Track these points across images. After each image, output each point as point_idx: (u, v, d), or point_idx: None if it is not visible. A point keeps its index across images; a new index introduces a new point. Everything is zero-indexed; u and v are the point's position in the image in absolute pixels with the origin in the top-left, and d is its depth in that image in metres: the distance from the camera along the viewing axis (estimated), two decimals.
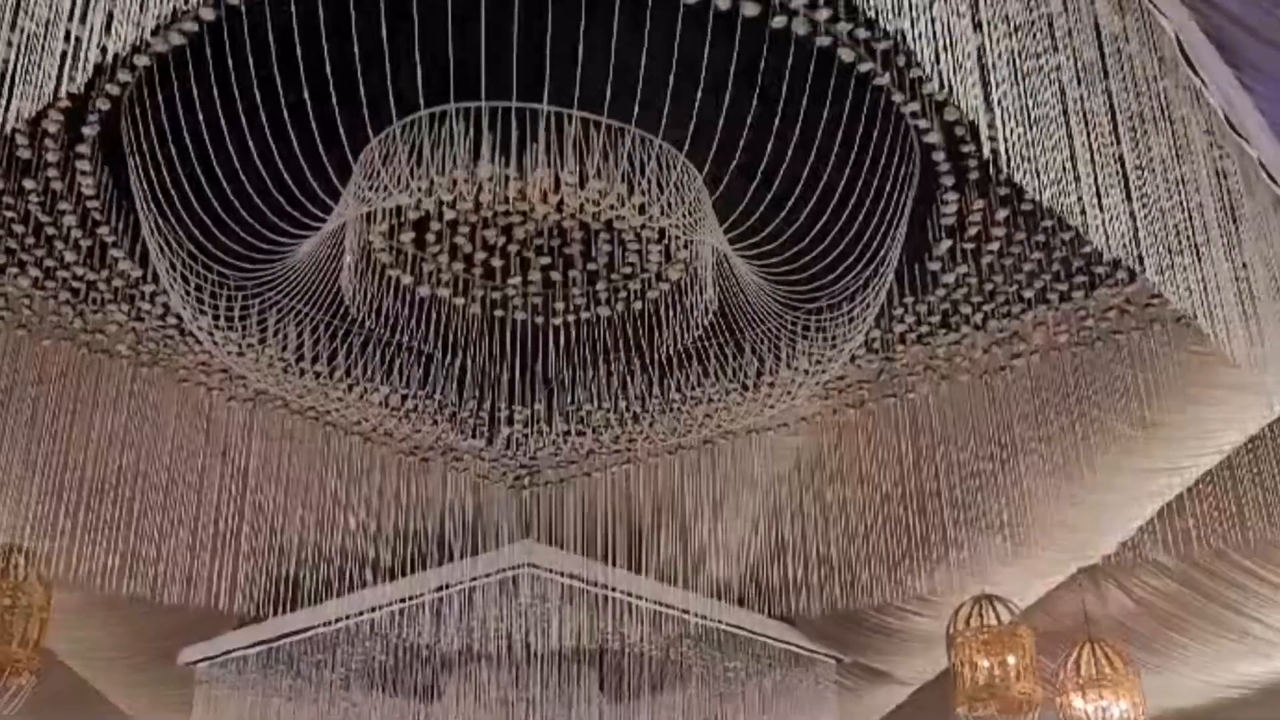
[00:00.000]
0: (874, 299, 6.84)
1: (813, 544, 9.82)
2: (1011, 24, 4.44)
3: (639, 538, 9.82)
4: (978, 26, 4.28)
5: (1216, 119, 5.70)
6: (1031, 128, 4.34)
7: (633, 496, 9.51)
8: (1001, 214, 6.85)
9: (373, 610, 10.19)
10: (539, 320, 7.36)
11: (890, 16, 3.78)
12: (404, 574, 9.81)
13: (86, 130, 6.20)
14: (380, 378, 7.71)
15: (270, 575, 9.81)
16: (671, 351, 7.59)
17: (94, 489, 8.34)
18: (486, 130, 5.53)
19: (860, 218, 6.21)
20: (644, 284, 7.13)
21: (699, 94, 5.48)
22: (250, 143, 5.65)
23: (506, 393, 8.01)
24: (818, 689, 11.83)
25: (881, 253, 6.47)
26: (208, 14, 5.26)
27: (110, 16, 3.54)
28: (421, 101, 5.51)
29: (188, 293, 6.62)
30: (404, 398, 7.90)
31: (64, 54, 3.53)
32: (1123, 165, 4.89)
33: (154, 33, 5.01)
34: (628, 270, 7.12)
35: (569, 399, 8.06)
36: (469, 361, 7.74)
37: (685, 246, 6.70)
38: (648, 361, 7.80)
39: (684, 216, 5.88)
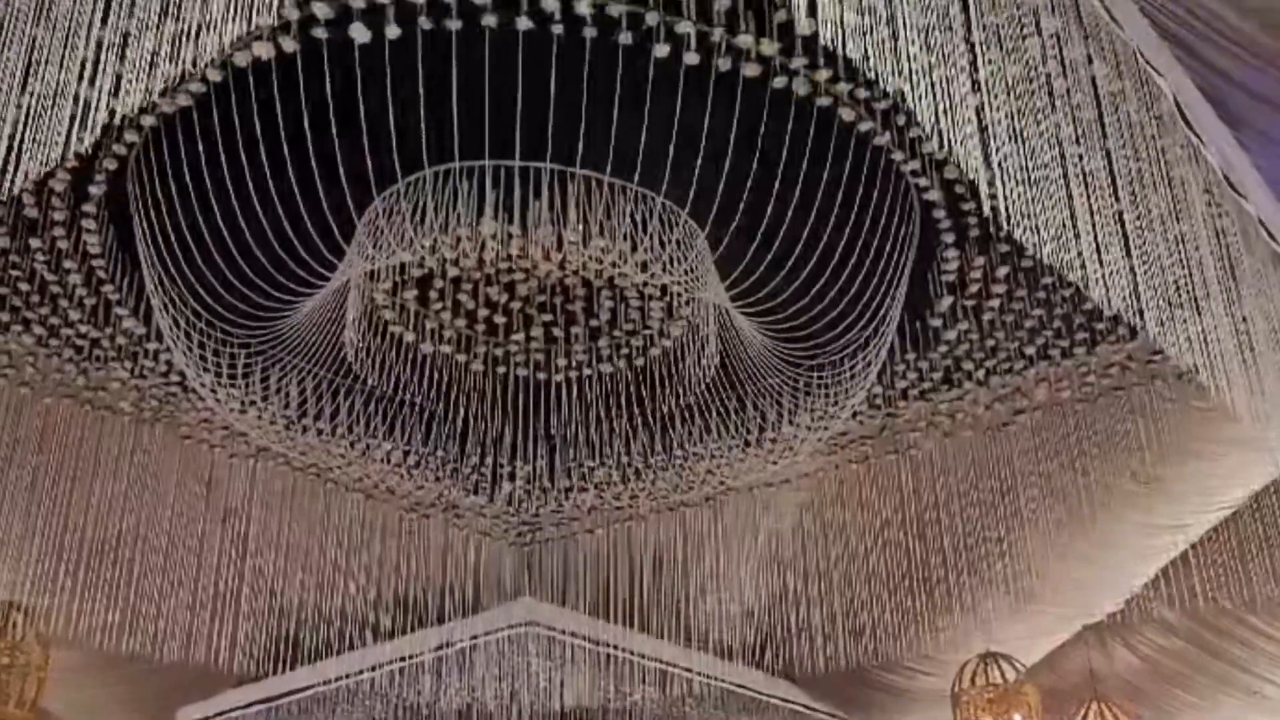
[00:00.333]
0: (876, 356, 6.85)
1: (816, 601, 9.76)
2: (1010, 84, 4.48)
3: (641, 595, 9.76)
4: (976, 86, 4.32)
5: (1215, 176, 5.74)
6: (1031, 185, 4.37)
7: (635, 553, 9.47)
8: (1002, 271, 6.87)
9: (372, 669, 10.11)
10: (541, 377, 7.37)
11: (890, 77, 3.81)
12: (404, 632, 9.75)
13: (93, 189, 6.24)
14: (382, 434, 7.70)
15: (269, 633, 9.74)
16: (674, 408, 7.59)
17: (95, 549, 8.30)
18: (490, 188, 5.57)
19: (861, 276, 6.24)
20: (646, 340, 7.15)
21: (700, 154, 5.53)
22: (254, 200, 5.68)
23: (508, 449, 8.00)
24: None
25: (883, 310, 6.49)
26: (215, 75, 5.31)
27: (119, 79, 3.57)
28: (425, 160, 5.56)
29: (190, 350, 6.64)
30: (406, 454, 7.89)
31: (73, 116, 3.56)
32: (1122, 222, 4.92)
33: (161, 94, 5.06)
34: (630, 327, 7.14)
35: (571, 455, 8.04)
36: (471, 418, 7.74)
37: (687, 303, 6.72)
38: (650, 418, 7.79)
39: (686, 273, 5.91)
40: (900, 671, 10.74)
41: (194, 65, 3.48)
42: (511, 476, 8.31)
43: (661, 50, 5.13)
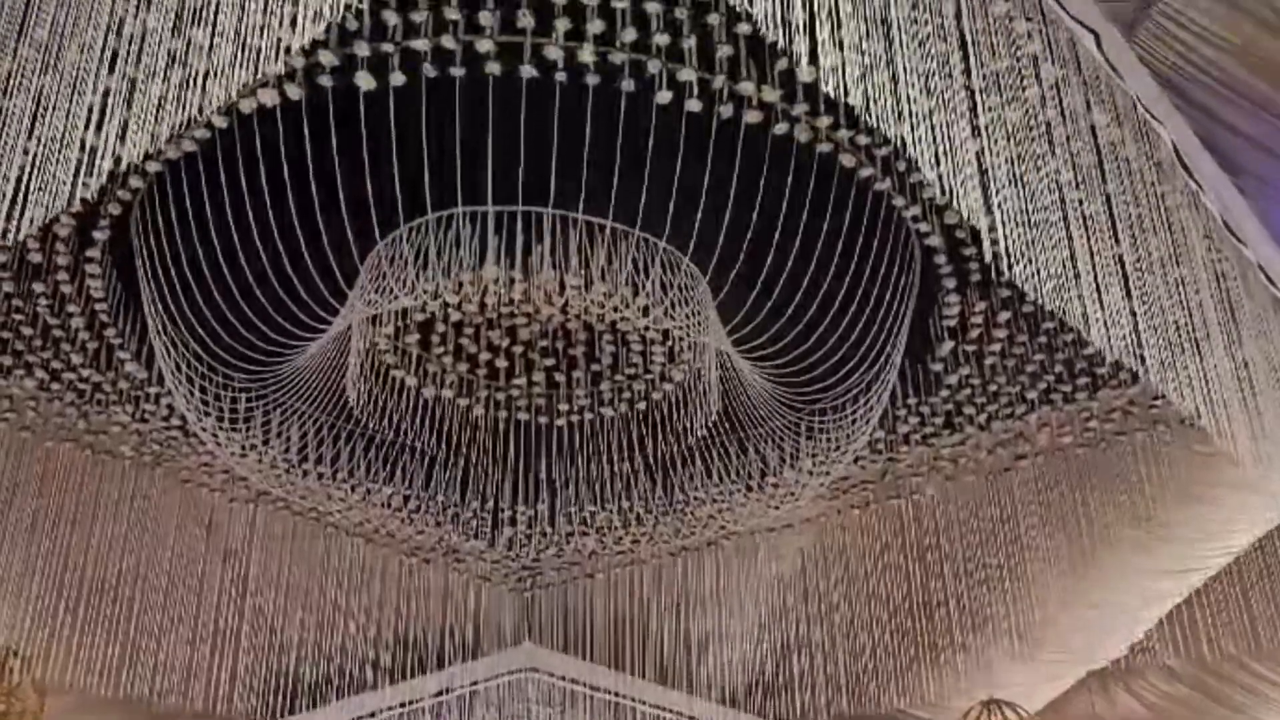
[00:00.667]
0: (877, 400, 6.84)
1: (818, 647, 9.70)
2: (1010, 130, 4.51)
3: (643, 640, 9.70)
4: (977, 132, 4.35)
5: (1214, 223, 5.77)
6: (1032, 230, 4.39)
7: (636, 598, 9.42)
8: (1003, 316, 6.88)
9: (372, 715, 10.03)
10: (542, 421, 7.36)
11: (890, 123, 3.83)
12: (404, 678, 9.68)
13: (97, 234, 6.26)
14: (383, 479, 7.69)
15: (269, 677, 9.68)
16: (675, 452, 7.58)
17: (94, 591, 8.27)
18: (492, 233, 5.59)
19: (863, 321, 6.25)
20: (648, 385, 7.15)
21: (702, 199, 5.56)
22: (257, 244, 5.70)
23: (509, 494, 7.98)
24: None
25: (885, 355, 6.49)
26: (220, 121, 5.34)
27: (125, 126, 3.60)
28: (429, 205, 5.58)
29: (192, 394, 6.64)
30: (406, 498, 7.87)
31: (78, 162, 3.58)
32: (1123, 267, 4.94)
33: (167, 140, 5.09)
34: (631, 371, 7.15)
35: (572, 500, 8.02)
36: (472, 462, 7.73)
37: (689, 348, 6.73)
38: (651, 462, 7.78)
39: (687, 318, 5.92)
40: (903, 718, 10.65)
41: (200, 112, 3.51)
42: (512, 521, 8.28)
43: (664, 97, 5.17)
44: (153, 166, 5.75)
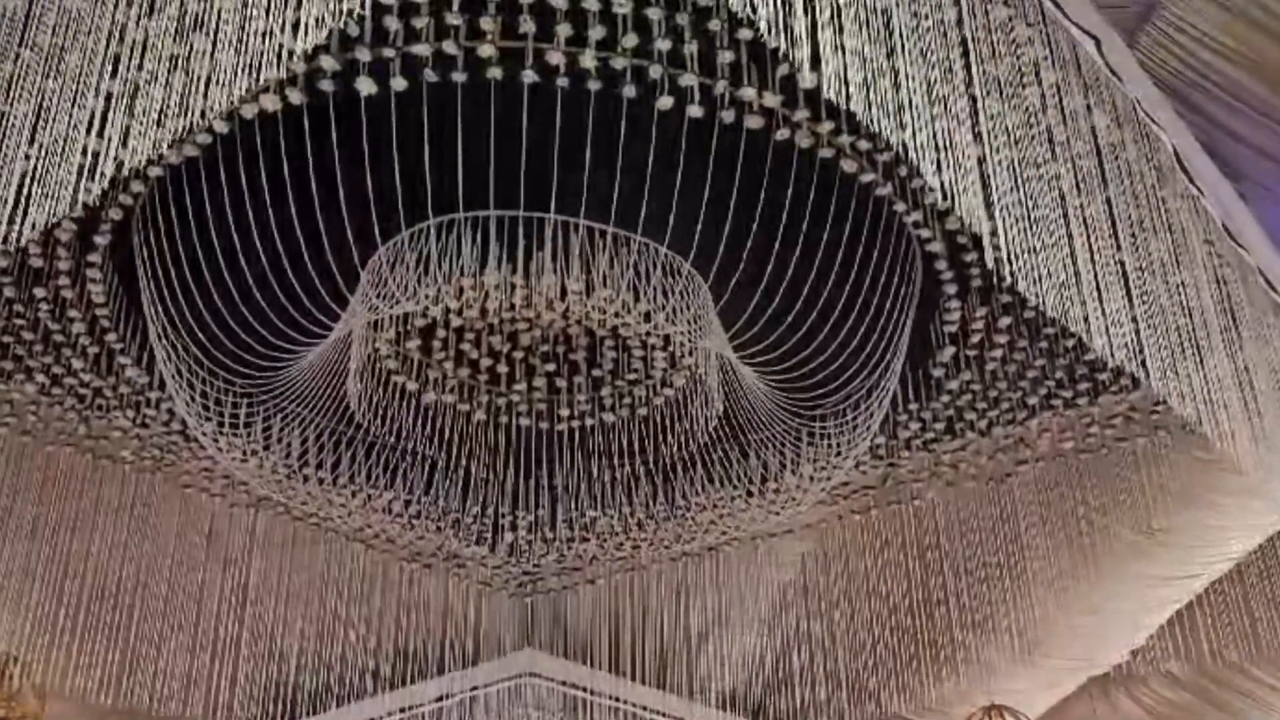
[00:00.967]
0: (878, 405, 6.84)
1: (819, 652, 9.69)
2: (1011, 133, 4.52)
3: (642, 646, 9.69)
4: (978, 137, 4.35)
5: (1215, 227, 5.77)
6: (1033, 235, 4.39)
7: (637, 604, 9.41)
8: (1004, 321, 6.88)
9: None
10: (543, 426, 7.35)
11: (892, 128, 3.84)
12: (404, 683, 9.67)
13: (98, 239, 6.27)
14: (384, 484, 7.68)
15: (268, 683, 9.67)
16: (676, 457, 7.57)
17: (94, 597, 8.26)
18: (494, 238, 5.59)
19: (864, 327, 6.25)
20: (649, 390, 7.14)
21: (704, 204, 5.56)
22: (259, 249, 5.71)
23: (510, 499, 7.97)
24: None
25: (886, 360, 6.49)
26: (221, 126, 5.34)
27: (127, 131, 3.60)
28: (430, 211, 5.58)
29: (193, 399, 6.64)
30: (407, 504, 7.85)
31: (80, 167, 3.59)
32: (1124, 271, 4.94)
33: (169, 145, 5.09)
34: (632, 376, 7.14)
35: (573, 506, 8.01)
36: (473, 468, 7.72)
37: (690, 353, 6.73)
38: (652, 467, 7.77)
39: (689, 323, 5.91)
40: None
41: (201, 117, 3.51)
42: (513, 526, 8.27)
43: (665, 103, 5.17)
44: (154, 171, 5.76)
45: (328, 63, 5.02)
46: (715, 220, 5.70)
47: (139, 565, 8.31)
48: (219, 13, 3.47)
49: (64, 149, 3.60)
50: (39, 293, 6.55)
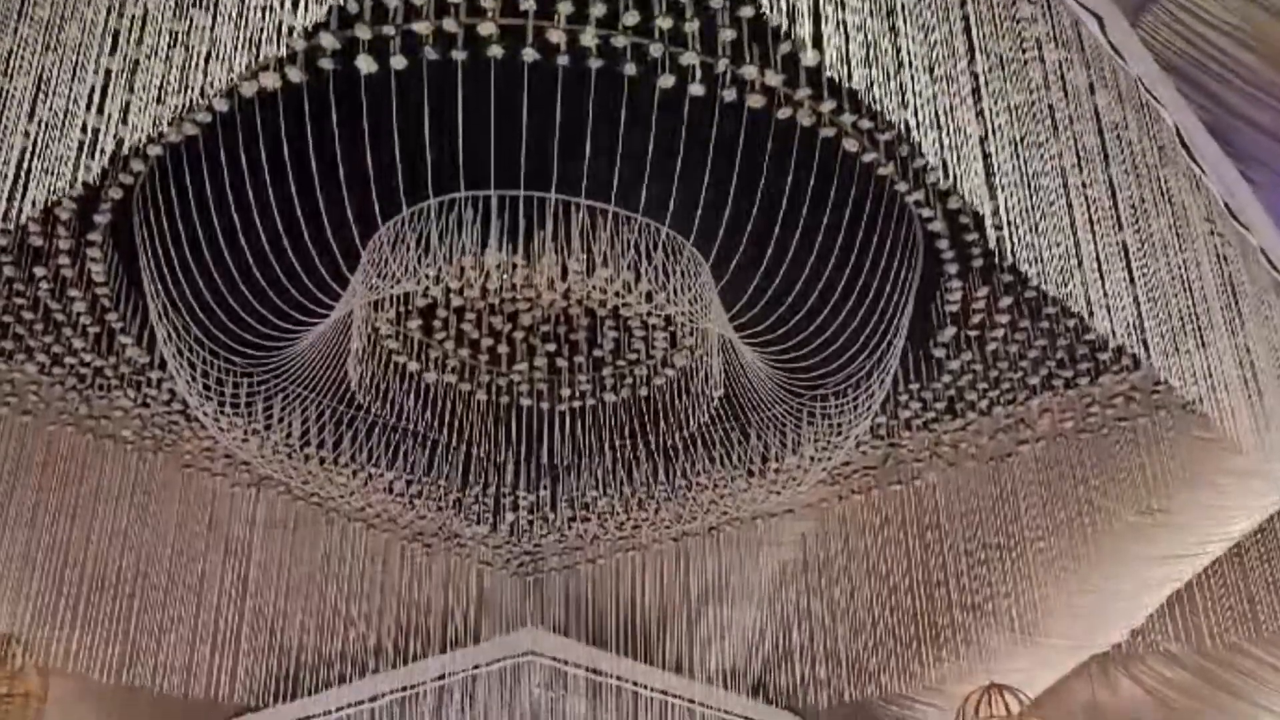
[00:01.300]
0: (879, 386, 6.84)
1: (819, 632, 9.72)
2: (1013, 111, 4.50)
3: (644, 625, 9.72)
4: (980, 115, 4.34)
5: (1216, 206, 5.76)
6: (1034, 213, 4.38)
7: (638, 583, 9.43)
8: (1005, 301, 6.87)
9: (373, 699, 10.06)
10: (544, 406, 7.36)
11: (894, 106, 3.82)
12: (406, 662, 9.70)
13: (98, 218, 6.26)
14: (385, 464, 7.69)
15: (269, 663, 9.70)
16: (677, 438, 7.57)
17: (97, 572, 8.29)
18: (495, 218, 5.58)
19: (865, 307, 6.24)
20: (650, 370, 7.14)
21: (705, 184, 5.55)
22: (259, 228, 5.70)
23: (511, 479, 7.98)
24: None
25: (886, 341, 6.49)
26: (221, 105, 5.33)
27: (126, 107, 3.59)
28: (430, 190, 5.57)
29: (194, 379, 6.64)
30: (409, 483, 7.87)
31: (80, 144, 3.58)
32: (1125, 251, 4.93)
33: (169, 123, 5.08)
34: (633, 356, 7.14)
35: (574, 485, 8.02)
36: (474, 448, 7.72)
37: (691, 333, 6.73)
38: (653, 448, 7.78)
39: (690, 303, 5.91)
40: (903, 703, 10.68)
41: (201, 95, 3.50)
42: (515, 506, 8.29)
43: (666, 81, 5.15)
44: (154, 150, 5.74)
45: (327, 40, 5.00)
46: (716, 200, 5.69)
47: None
48: None
49: (63, 125, 3.59)
50: (39, 272, 6.54)
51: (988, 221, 4.28)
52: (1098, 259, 4.67)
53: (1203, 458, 7.66)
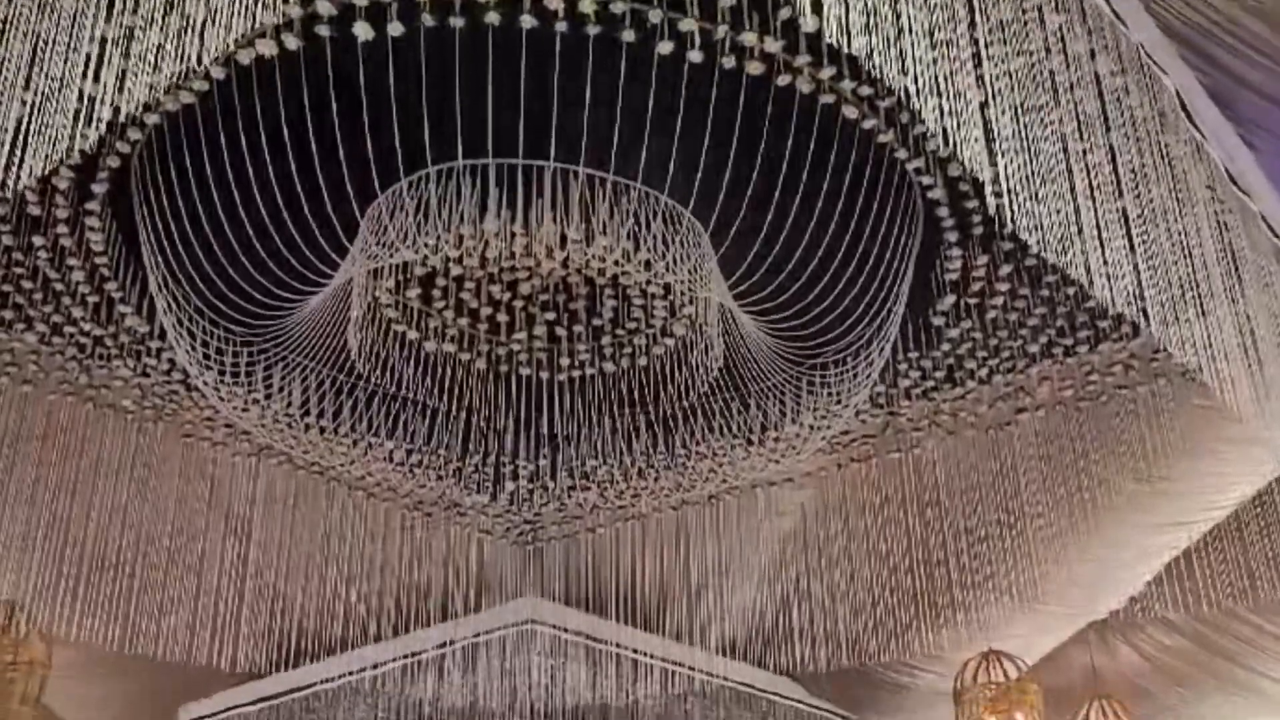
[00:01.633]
0: (879, 354, 6.84)
1: (818, 600, 9.76)
2: (1014, 78, 4.48)
3: (644, 593, 9.76)
4: (981, 82, 4.32)
5: (1217, 172, 5.74)
6: (1034, 180, 4.37)
7: (637, 552, 9.47)
8: (1005, 269, 6.86)
9: (374, 667, 10.11)
10: (544, 375, 7.36)
11: (893, 74, 3.81)
12: (407, 630, 9.75)
13: (96, 187, 6.24)
14: (385, 433, 7.69)
15: (271, 630, 9.74)
16: (676, 407, 7.58)
17: (98, 541, 8.32)
18: (493, 186, 5.57)
19: (864, 275, 6.24)
20: (649, 339, 7.14)
21: (704, 151, 5.53)
22: (257, 197, 5.69)
23: (511, 448, 7.99)
24: None
25: (886, 309, 6.49)
26: (218, 73, 5.31)
27: (123, 75, 3.57)
28: (429, 158, 5.56)
29: (194, 348, 6.64)
30: (409, 453, 7.88)
31: (77, 112, 3.56)
32: (1125, 218, 4.92)
33: (166, 91, 5.06)
34: (633, 325, 7.14)
35: (573, 454, 8.03)
36: (474, 417, 7.73)
37: (690, 302, 6.72)
38: (652, 417, 7.79)
39: (689, 272, 5.90)
40: (902, 669, 10.73)
41: (198, 62, 3.48)
42: (514, 475, 8.30)
43: (665, 48, 5.13)
44: (151, 118, 5.73)
45: (323, 7, 4.97)
46: (715, 168, 5.67)
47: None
48: None
49: (60, 93, 3.57)
50: (37, 241, 6.53)
51: (988, 189, 4.27)
52: (1098, 226, 4.66)
53: (1202, 426, 7.67)
